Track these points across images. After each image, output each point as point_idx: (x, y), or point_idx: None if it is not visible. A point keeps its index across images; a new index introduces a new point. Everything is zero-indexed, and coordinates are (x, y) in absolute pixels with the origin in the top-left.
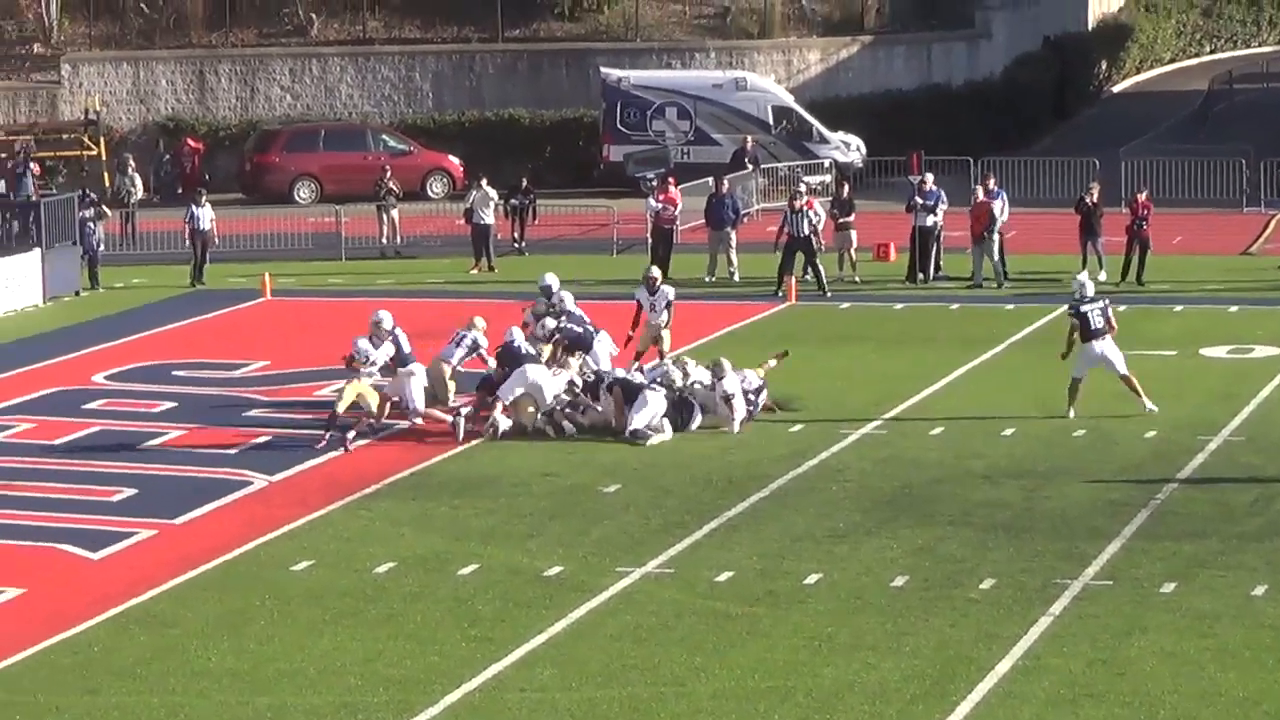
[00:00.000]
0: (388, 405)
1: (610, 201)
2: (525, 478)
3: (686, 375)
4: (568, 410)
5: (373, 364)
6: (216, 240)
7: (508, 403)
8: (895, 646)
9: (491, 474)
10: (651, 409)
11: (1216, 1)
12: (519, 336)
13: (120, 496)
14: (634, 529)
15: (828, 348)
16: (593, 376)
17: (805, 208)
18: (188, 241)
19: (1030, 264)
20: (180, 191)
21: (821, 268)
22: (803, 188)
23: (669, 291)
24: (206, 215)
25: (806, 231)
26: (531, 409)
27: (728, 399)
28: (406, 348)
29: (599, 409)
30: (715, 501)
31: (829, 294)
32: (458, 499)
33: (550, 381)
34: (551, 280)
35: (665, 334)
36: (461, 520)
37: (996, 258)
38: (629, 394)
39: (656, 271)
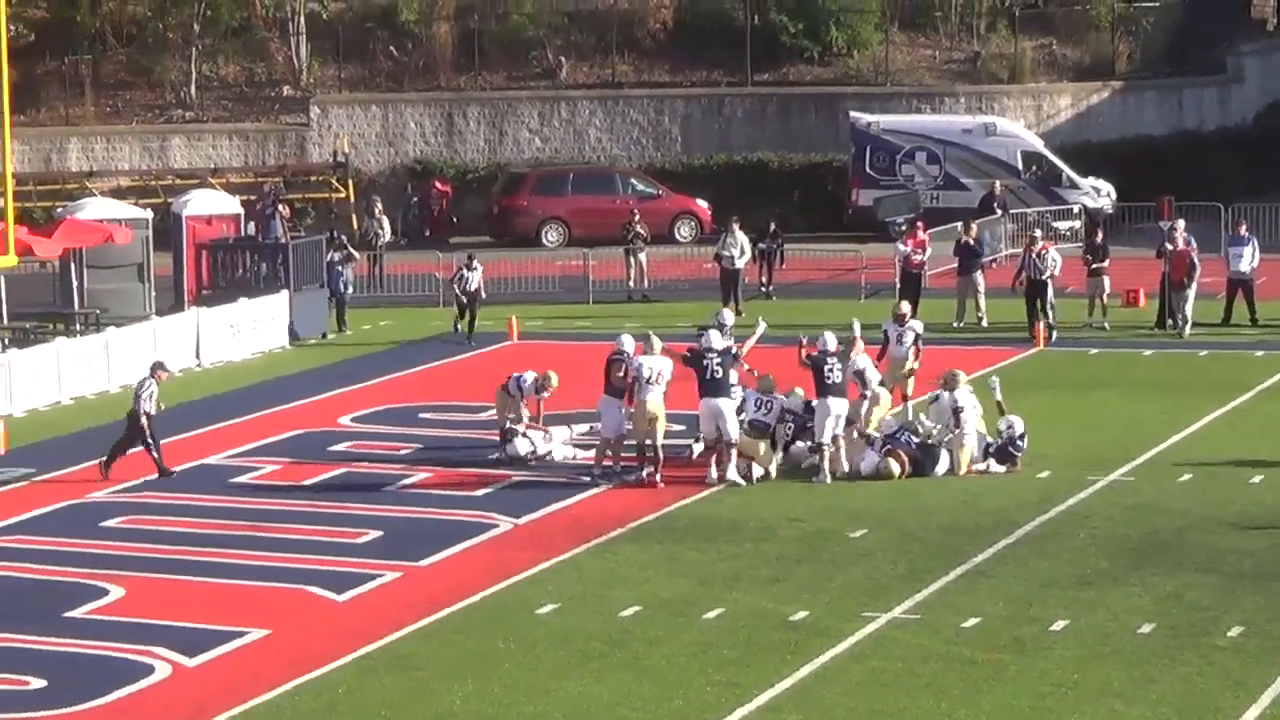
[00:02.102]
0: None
1: (858, 246)
2: (771, 522)
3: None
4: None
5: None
6: (484, 297)
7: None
8: (1142, 694)
9: (736, 518)
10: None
11: None
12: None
13: (366, 539)
14: (880, 574)
15: (1076, 393)
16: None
17: (1043, 251)
18: (455, 302)
19: None
20: (428, 234)
21: (1051, 313)
22: (1038, 233)
23: (917, 326)
24: (477, 278)
25: (1045, 275)
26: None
27: (956, 411)
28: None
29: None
30: (961, 547)
31: (1052, 338)
32: (703, 543)
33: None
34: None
35: (909, 379)
36: (707, 564)
37: (1189, 306)
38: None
39: (906, 307)
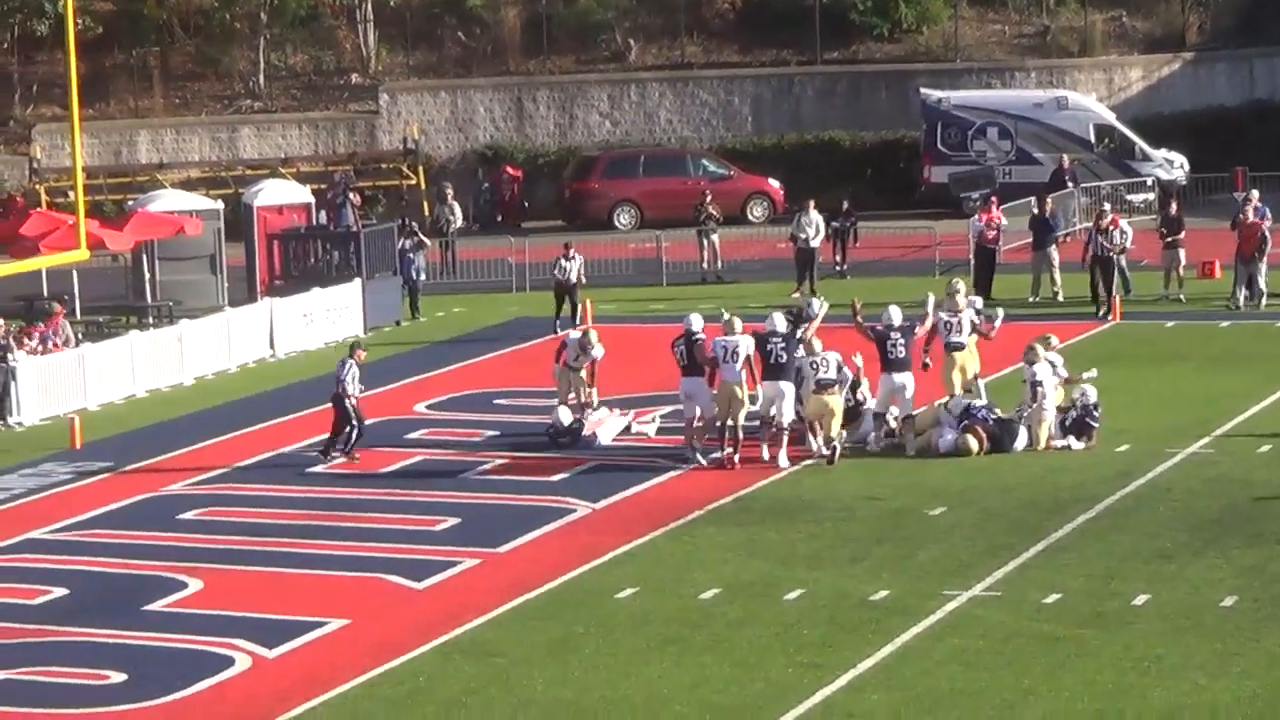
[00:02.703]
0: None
1: (932, 222)
2: (849, 502)
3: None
4: None
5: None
6: (584, 284)
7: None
8: (1225, 668)
9: (815, 499)
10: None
11: None
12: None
13: (443, 526)
14: (960, 552)
15: (1153, 367)
16: None
17: (1110, 226)
18: (554, 293)
19: None
20: (500, 220)
21: (1115, 288)
22: (1106, 206)
23: (976, 302)
24: (575, 268)
25: (1115, 250)
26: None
27: (1035, 384)
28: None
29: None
30: (1041, 523)
31: (1102, 313)
32: (782, 524)
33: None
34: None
35: (972, 357)
36: (786, 545)
37: (1263, 280)
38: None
39: (960, 284)
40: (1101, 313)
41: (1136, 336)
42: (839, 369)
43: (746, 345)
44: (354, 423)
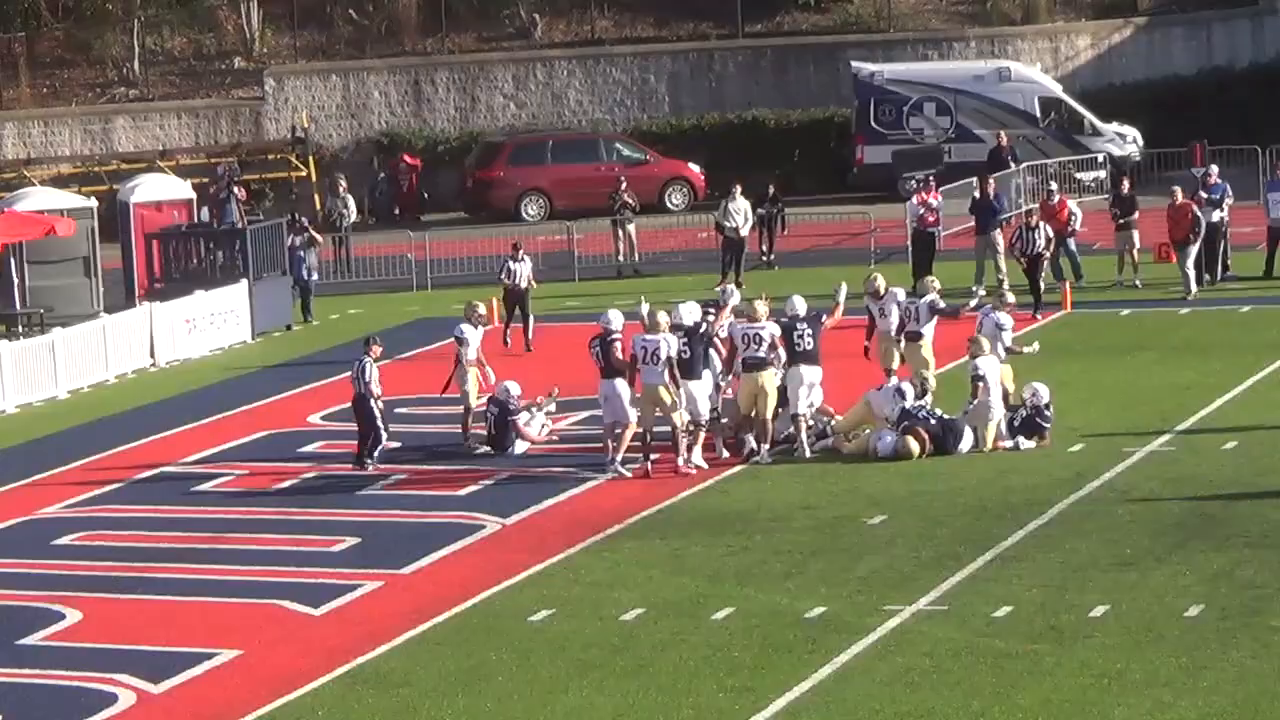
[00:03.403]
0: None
1: (866, 207)
2: (783, 511)
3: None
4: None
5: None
6: (534, 288)
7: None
8: (1192, 683)
9: (744, 509)
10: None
11: None
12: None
13: (342, 546)
14: (903, 563)
15: (1108, 358)
16: None
17: (1036, 223)
18: (501, 301)
19: None
20: (397, 213)
21: (1072, 273)
22: (1054, 186)
23: (898, 294)
24: (525, 271)
25: (1040, 248)
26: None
27: (977, 379)
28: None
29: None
30: (990, 530)
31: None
32: (709, 537)
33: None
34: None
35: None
36: (715, 560)
37: (1189, 264)
38: None
39: (880, 280)
40: (1034, 312)
41: (1089, 326)
42: (771, 346)
43: (669, 344)
44: (379, 426)
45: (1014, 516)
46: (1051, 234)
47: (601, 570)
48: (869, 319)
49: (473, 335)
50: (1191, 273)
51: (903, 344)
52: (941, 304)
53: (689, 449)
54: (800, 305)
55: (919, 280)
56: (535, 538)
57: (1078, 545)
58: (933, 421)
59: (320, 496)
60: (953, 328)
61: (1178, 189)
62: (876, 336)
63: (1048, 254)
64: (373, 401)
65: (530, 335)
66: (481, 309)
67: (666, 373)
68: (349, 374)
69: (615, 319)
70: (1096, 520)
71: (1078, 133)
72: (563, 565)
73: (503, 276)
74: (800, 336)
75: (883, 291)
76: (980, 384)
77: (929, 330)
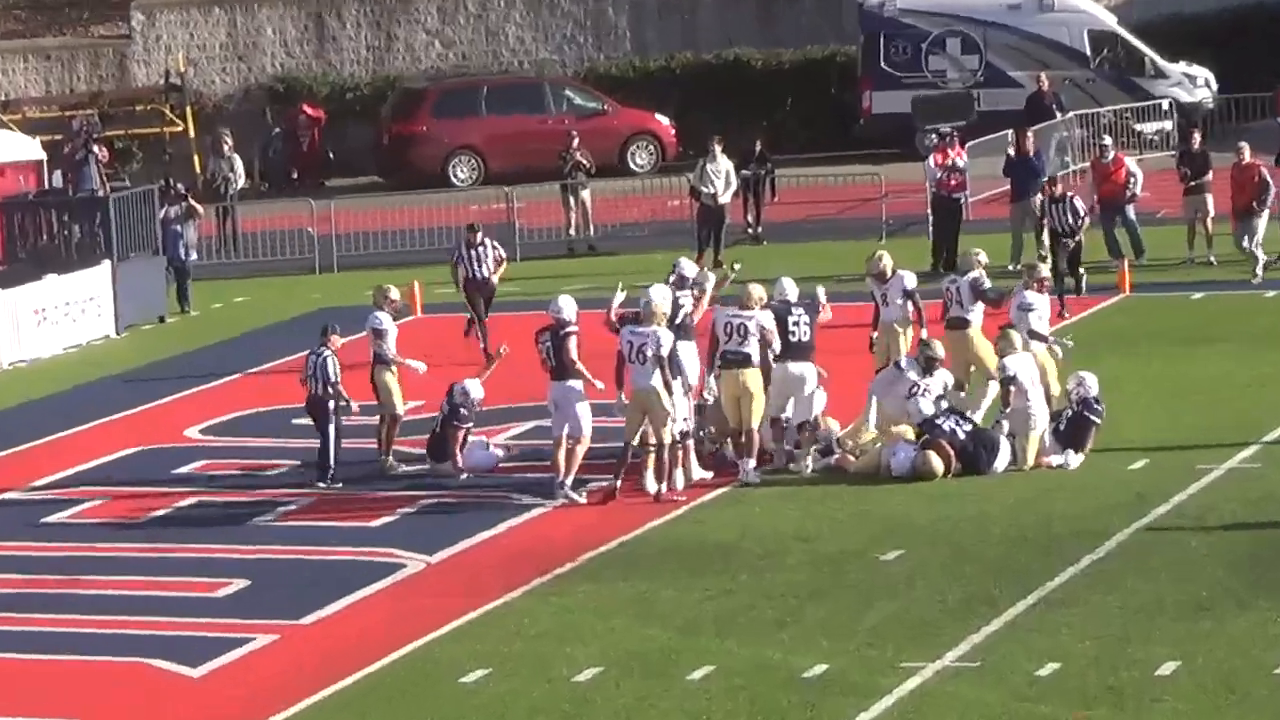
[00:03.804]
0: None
1: (875, 168)
2: (773, 544)
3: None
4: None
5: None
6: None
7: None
8: None
9: (728, 541)
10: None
11: None
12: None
13: (227, 591)
14: (924, 609)
15: (1174, 352)
16: None
17: (1066, 195)
18: (462, 293)
19: None
20: (295, 177)
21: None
22: (1108, 140)
23: (906, 279)
24: (490, 257)
25: (1071, 225)
26: None
27: (1008, 382)
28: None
29: None
30: (1032, 567)
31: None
32: (683, 576)
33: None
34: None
35: (904, 336)
36: (690, 605)
37: (1259, 238)
38: None
39: (886, 260)
40: (1061, 309)
41: (1153, 313)
42: (761, 340)
43: (666, 340)
44: (331, 430)
45: (1061, 550)
46: (1084, 209)
47: (549, 619)
48: (875, 305)
49: (390, 327)
50: (1260, 252)
51: (946, 335)
52: (986, 283)
53: (670, 471)
54: (791, 289)
55: (938, 258)
56: (467, 579)
57: (1140, 585)
58: (961, 434)
59: (200, 529)
60: (989, 319)
61: (1244, 145)
62: (880, 328)
63: (1082, 233)
64: (334, 403)
65: (486, 335)
66: (395, 293)
67: (659, 374)
68: (237, 374)
69: (568, 307)
70: (1163, 554)
71: (1137, 74)
72: (501, 612)
73: (458, 268)
74: (796, 324)
75: (889, 273)
76: (1012, 388)
77: (977, 315)
